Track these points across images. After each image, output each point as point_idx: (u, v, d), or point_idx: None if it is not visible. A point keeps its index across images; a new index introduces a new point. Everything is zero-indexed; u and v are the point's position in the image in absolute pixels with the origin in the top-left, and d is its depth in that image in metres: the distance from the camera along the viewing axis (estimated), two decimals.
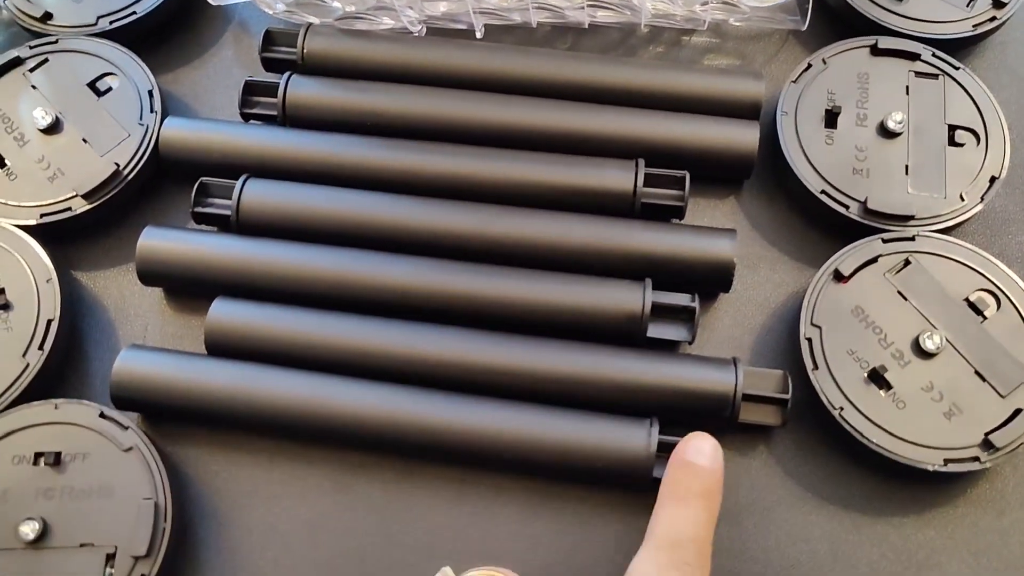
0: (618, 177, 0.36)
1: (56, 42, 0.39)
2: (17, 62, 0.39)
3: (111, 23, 0.40)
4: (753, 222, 0.37)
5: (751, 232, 0.37)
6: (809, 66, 0.38)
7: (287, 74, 0.38)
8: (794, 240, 0.37)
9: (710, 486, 0.28)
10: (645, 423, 0.31)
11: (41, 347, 0.33)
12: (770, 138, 0.37)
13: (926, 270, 0.34)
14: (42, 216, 0.35)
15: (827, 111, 0.37)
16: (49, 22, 0.40)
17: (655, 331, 0.33)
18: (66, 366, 0.35)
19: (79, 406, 0.32)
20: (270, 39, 0.39)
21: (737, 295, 0.36)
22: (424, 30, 0.40)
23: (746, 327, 0.35)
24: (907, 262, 0.34)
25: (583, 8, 0.38)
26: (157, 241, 0.35)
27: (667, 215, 0.36)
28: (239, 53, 0.42)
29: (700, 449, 0.28)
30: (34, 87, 0.38)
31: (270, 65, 0.40)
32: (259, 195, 0.36)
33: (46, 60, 0.39)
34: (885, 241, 0.34)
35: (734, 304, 0.36)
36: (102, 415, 0.32)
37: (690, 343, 0.34)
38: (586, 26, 0.40)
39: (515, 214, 0.35)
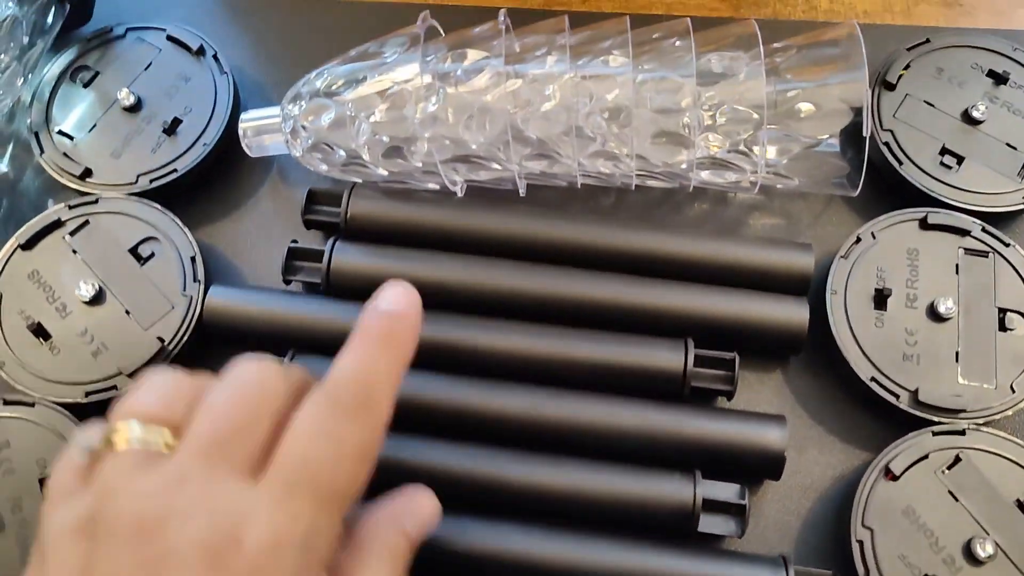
0: (668, 359, 0.35)
1: (96, 202, 0.39)
2: (58, 224, 0.38)
3: (151, 181, 0.39)
4: (800, 399, 0.37)
5: (798, 409, 0.37)
6: (859, 239, 0.37)
7: (331, 241, 0.38)
8: (842, 421, 0.37)
9: (393, 330, 0.27)
10: None
11: None
12: (818, 313, 0.37)
13: (977, 469, 0.34)
14: (87, 395, 0.35)
15: (877, 291, 0.36)
16: (88, 179, 0.39)
17: (705, 525, 0.33)
18: None
19: None
20: (313, 198, 0.39)
21: (784, 478, 0.36)
22: (464, 187, 0.39)
23: (793, 512, 0.35)
24: (958, 458, 0.34)
25: (632, 177, 0.38)
26: None
27: (715, 394, 0.36)
28: (278, 206, 0.41)
29: (388, 297, 0.27)
30: (75, 252, 0.38)
31: (312, 225, 0.39)
32: None
33: (87, 222, 0.38)
34: (935, 434, 0.34)
35: (781, 487, 0.36)
36: None
37: (739, 537, 0.34)
38: (633, 188, 0.39)
39: (564, 398, 0.35)
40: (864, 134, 0.35)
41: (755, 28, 0.36)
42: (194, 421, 0.25)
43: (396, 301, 0.27)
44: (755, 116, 0.36)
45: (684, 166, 0.37)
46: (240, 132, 0.40)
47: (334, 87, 0.38)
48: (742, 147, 0.37)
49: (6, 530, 0.33)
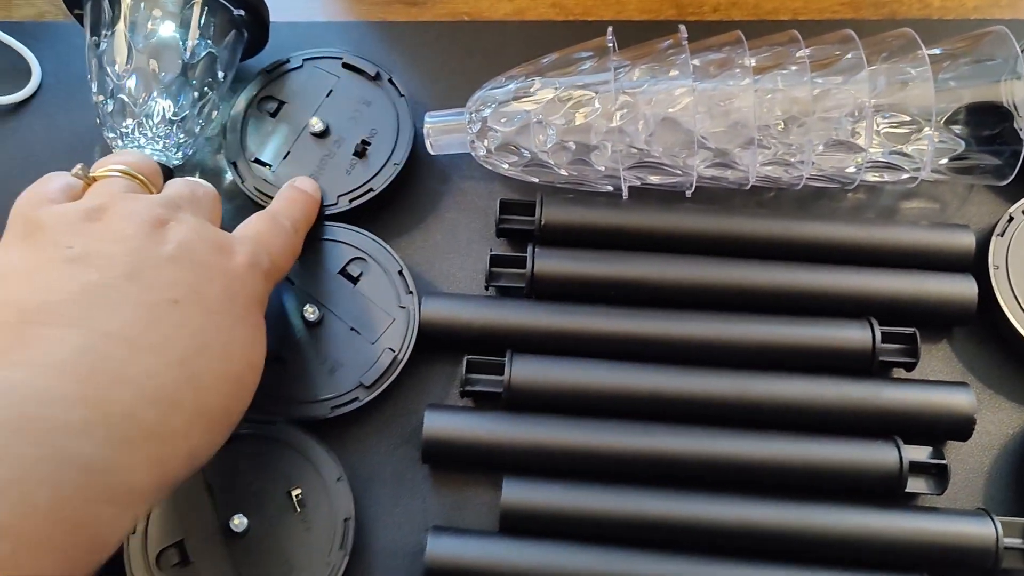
0: (857, 337, 0.39)
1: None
2: None
3: (351, 201, 0.42)
4: (968, 365, 0.41)
5: (968, 375, 0.41)
6: (1011, 219, 0.41)
7: (531, 247, 0.40)
8: (1012, 383, 0.40)
9: (304, 196, 0.39)
10: None
11: (343, 547, 0.35)
12: (980, 287, 0.40)
13: None
14: (332, 410, 0.38)
15: None
16: None
17: (911, 486, 0.37)
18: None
19: None
20: (505, 209, 0.42)
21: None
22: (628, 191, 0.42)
23: (976, 469, 0.39)
24: None
25: (802, 177, 0.41)
26: (439, 423, 0.37)
27: (895, 367, 0.40)
28: (459, 216, 0.44)
29: (301, 180, 0.41)
30: (289, 280, 0.40)
31: (503, 233, 0.42)
32: (525, 371, 0.38)
33: None
34: None
35: (963, 447, 0.39)
36: None
37: (939, 495, 0.37)
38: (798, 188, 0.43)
39: (766, 378, 0.38)
40: (1021, 131, 0.39)
41: (913, 35, 0.40)
42: (172, 185, 0.34)
43: (307, 183, 0.40)
44: (921, 121, 0.39)
45: (852, 170, 0.41)
46: (424, 131, 0.42)
47: (525, 93, 0.40)
48: (904, 149, 0.40)
49: (250, 535, 0.36)
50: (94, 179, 0.33)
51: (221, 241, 0.32)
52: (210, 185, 0.36)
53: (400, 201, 0.44)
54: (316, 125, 0.42)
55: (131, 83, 0.38)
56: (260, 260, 0.33)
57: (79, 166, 0.33)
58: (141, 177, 0.34)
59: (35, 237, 0.29)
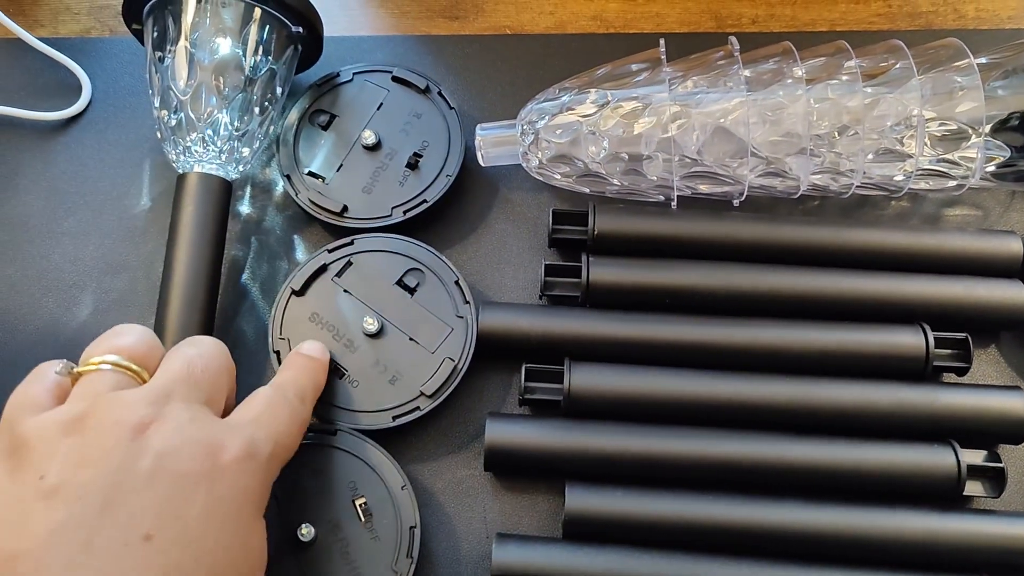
0: (911, 343, 0.39)
1: (352, 243, 0.41)
2: (323, 269, 0.41)
3: (404, 213, 0.42)
4: (1018, 370, 0.41)
5: (1017, 380, 0.41)
6: None
7: (586, 257, 0.41)
8: None
9: (311, 363, 0.37)
10: None
11: (409, 555, 0.36)
12: None
13: None
14: (394, 419, 0.38)
15: None
16: (346, 215, 0.42)
17: (969, 489, 0.37)
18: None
19: None
20: (557, 219, 0.42)
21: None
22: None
23: None
24: None
25: (851, 186, 0.41)
26: (501, 431, 0.38)
27: (948, 371, 0.40)
28: (509, 227, 0.45)
29: (308, 346, 0.38)
30: (347, 292, 0.40)
31: (555, 243, 0.43)
32: (584, 379, 0.39)
33: (349, 263, 0.41)
34: None
35: (1015, 450, 0.40)
36: None
37: (995, 498, 0.38)
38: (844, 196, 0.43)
39: (822, 384, 0.39)
40: None
41: (961, 45, 0.40)
42: (169, 361, 0.32)
43: (313, 348, 0.38)
44: (969, 130, 0.40)
45: (900, 178, 0.41)
46: (476, 143, 0.43)
47: (578, 105, 0.41)
48: (951, 157, 0.41)
49: (317, 544, 0.36)
50: (80, 375, 0.31)
51: (210, 439, 0.30)
52: (215, 349, 0.33)
53: (451, 213, 0.45)
54: (368, 138, 0.43)
55: (195, 98, 0.38)
56: (258, 449, 0.31)
57: (63, 364, 0.31)
58: (132, 367, 0.31)
59: (17, 457, 0.28)
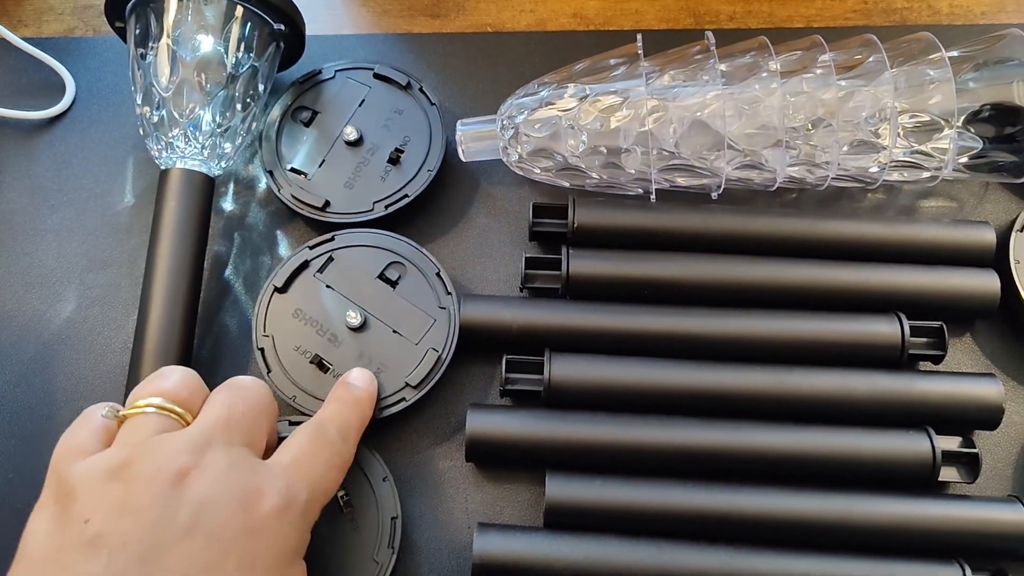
0: (887, 331, 0.40)
1: (333, 239, 0.41)
2: (305, 265, 0.41)
3: (386, 207, 0.43)
4: (991, 358, 0.42)
5: (990, 368, 0.42)
6: None
7: (565, 250, 0.41)
8: None
9: (359, 398, 0.37)
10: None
11: (391, 545, 0.36)
12: (1002, 282, 0.41)
13: None
14: (381, 410, 0.38)
15: None
16: (328, 210, 0.43)
17: (944, 475, 0.38)
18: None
19: None
20: (538, 212, 0.43)
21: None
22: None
23: (1003, 458, 0.40)
24: None
25: (827, 178, 0.42)
26: (481, 422, 0.38)
27: (923, 360, 0.41)
28: (489, 221, 0.45)
29: (356, 376, 0.38)
30: (329, 287, 0.40)
31: (536, 236, 0.43)
32: (564, 369, 0.39)
33: (331, 259, 0.41)
34: None
35: (989, 437, 0.40)
36: None
37: (970, 483, 0.38)
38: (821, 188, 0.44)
39: (800, 372, 0.39)
40: None
41: (933, 39, 0.41)
42: (210, 405, 0.32)
43: (361, 379, 0.38)
44: (942, 122, 0.41)
45: (875, 169, 0.42)
46: (457, 139, 0.43)
47: (557, 99, 0.41)
48: (925, 148, 0.42)
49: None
50: (125, 417, 0.32)
51: (247, 488, 0.30)
52: (256, 389, 0.34)
53: (433, 207, 0.45)
54: (350, 134, 0.43)
55: (177, 95, 0.39)
56: (295, 497, 0.31)
57: (108, 407, 0.32)
58: (176, 410, 0.32)
59: (64, 503, 0.29)
